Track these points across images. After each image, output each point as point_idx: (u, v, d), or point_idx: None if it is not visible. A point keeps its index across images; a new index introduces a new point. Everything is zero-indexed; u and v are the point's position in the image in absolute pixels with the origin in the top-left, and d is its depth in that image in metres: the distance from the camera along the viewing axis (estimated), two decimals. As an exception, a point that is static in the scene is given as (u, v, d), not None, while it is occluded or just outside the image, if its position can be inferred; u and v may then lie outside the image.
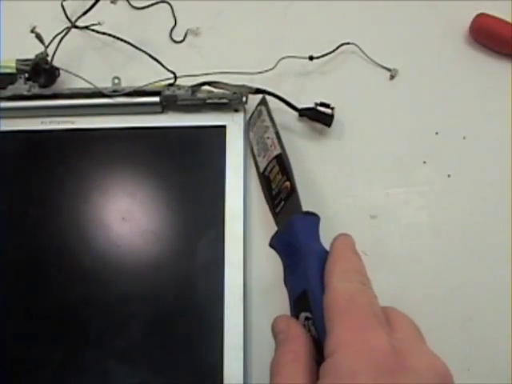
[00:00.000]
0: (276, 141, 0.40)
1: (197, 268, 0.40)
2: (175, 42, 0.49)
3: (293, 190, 0.37)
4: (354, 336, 0.27)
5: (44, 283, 0.41)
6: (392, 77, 0.46)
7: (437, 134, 0.45)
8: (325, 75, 0.47)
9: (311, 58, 0.46)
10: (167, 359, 0.38)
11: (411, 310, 0.40)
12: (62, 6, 0.48)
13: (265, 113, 0.42)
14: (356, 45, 0.47)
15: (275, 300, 0.40)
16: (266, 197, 0.40)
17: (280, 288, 0.40)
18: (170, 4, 0.50)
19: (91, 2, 0.44)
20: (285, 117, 0.45)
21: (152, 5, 0.51)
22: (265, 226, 0.42)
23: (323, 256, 0.31)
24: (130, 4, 0.51)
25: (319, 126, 0.45)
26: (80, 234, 0.42)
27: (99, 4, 0.44)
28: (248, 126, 0.44)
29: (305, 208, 0.42)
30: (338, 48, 0.47)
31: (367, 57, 0.47)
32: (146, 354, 0.39)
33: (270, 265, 0.41)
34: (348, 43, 0.47)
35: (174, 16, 0.50)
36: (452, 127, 0.45)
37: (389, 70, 0.47)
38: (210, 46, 0.49)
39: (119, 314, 0.40)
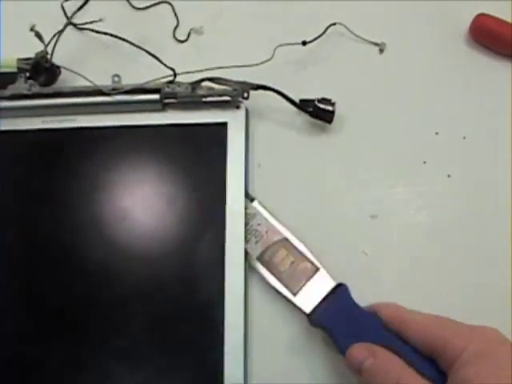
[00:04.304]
0: (274, 228, 0.40)
1: (197, 268, 0.40)
2: (179, 41, 0.49)
3: (317, 268, 0.39)
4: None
5: (44, 283, 0.41)
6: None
7: (437, 134, 0.45)
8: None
9: (304, 43, 0.46)
10: (168, 359, 0.38)
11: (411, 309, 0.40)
12: (62, 6, 0.48)
13: (246, 201, 0.41)
14: (344, 25, 0.47)
15: (276, 300, 0.40)
16: (269, 280, 0.39)
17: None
18: (171, 4, 0.50)
19: (94, 2, 0.44)
20: (283, 115, 0.45)
21: (153, 5, 0.51)
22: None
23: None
24: (130, 4, 0.51)
25: (318, 123, 0.45)
26: (80, 233, 0.42)
27: (100, 4, 0.44)
28: None
29: (307, 211, 0.43)
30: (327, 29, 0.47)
31: (357, 37, 0.48)
32: (146, 353, 0.39)
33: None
34: (334, 24, 0.47)
35: (176, 16, 0.50)
36: (452, 127, 0.45)
37: (380, 51, 0.47)
38: (214, 44, 0.49)
39: (119, 314, 0.40)
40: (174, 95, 0.44)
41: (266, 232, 0.40)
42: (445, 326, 0.32)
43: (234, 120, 0.43)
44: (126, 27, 0.46)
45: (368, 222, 0.42)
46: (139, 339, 0.39)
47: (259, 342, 0.40)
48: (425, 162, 0.44)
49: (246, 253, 0.40)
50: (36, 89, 0.45)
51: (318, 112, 0.43)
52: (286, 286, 0.39)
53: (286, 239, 0.40)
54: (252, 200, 0.42)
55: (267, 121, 0.46)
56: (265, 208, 0.42)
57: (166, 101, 0.44)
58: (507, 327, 0.39)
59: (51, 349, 0.40)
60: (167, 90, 0.44)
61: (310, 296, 0.38)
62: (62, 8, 0.45)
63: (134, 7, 0.51)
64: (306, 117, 0.44)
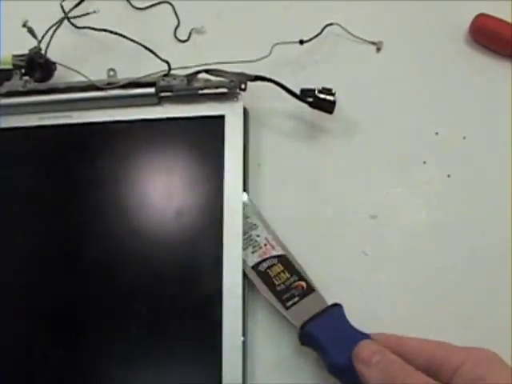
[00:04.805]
0: (274, 242, 0.40)
1: (195, 266, 0.40)
2: (180, 41, 0.49)
3: (312, 289, 0.38)
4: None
5: (43, 283, 0.41)
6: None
7: (437, 134, 0.45)
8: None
9: (301, 42, 0.46)
10: (166, 359, 0.38)
11: (411, 310, 0.40)
12: (61, 5, 0.47)
13: (250, 209, 0.41)
14: (341, 25, 0.47)
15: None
16: (263, 290, 0.39)
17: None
18: (171, 4, 0.50)
19: (94, 2, 0.43)
20: (283, 115, 0.45)
21: (154, 5, 0.50)
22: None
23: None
24: (131, 4, 0.50)
25: (319, 123, 0.44)
26: (77, 230, 0.42)
27: (100, 4, 0.44)
28: None
29: (306, 210, 0.43)
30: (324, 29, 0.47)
31: (354, 36, 0.47)
32: (144, 353, 0.38)
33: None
34: (331, 24, 0.47)
35: (176, 16, 0.50)
36: (452, 127, 0.45)
37: (377, 49, 0.48)
38: (214, 44, 0.49)
39: (117, 313, 0.40)
40: (169, 88, 0.43)
41: (265, 245, 0.40)
42: (443, 346, 0.33)
43: (231, 113, 0.43)
44: (127, 27, 0.45)
45: (368, 221, 0.42)
46: (137, 339, 0.39)
47: (258, 342, 0.39)
48: (425, 162, 0.44)
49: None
50: (31, 85, 0.45)
51: (319, 102, 0.43)
52: (279, 300, 0.38)
53: (284, 256, 0.39)
54: (257, 213, 0.41)
55: (267, 121, 0.46)
56: (266, 221, 0.41)
57: (162, 94, 0.44)
58: (507, 327, 0.39)
59: (50, 348, 0.39)
60: (163, 83, 0.43)
61: (302, 312, 0.37)
62: (61, 5, 0.44)
63: (134, 7, 0.50)
64: (306, 116, 0.44)
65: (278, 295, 0.38)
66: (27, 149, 0.44)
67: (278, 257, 0.39)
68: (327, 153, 0.44)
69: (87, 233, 0.41)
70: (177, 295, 0.40)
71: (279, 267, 0.39)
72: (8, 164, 0.44)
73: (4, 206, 0.43)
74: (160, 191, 0.42)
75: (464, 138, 0.44)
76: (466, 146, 0.44)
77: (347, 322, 0.36)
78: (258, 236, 0.40)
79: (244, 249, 0.39)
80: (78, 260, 0.41)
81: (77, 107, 0.44)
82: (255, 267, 0.39)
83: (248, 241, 0.40)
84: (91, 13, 0.44)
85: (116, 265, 0.41)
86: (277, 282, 0.39)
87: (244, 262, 0.39)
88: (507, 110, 0.45)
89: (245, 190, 0.41)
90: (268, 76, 0.43)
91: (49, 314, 0.40)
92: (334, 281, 0.39)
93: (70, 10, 0.44)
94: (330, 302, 0.38)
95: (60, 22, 0.44)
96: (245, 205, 0.41)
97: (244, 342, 0.38)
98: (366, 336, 0.35)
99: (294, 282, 0.38)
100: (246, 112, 0.44)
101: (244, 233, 0.40)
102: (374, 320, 0.39)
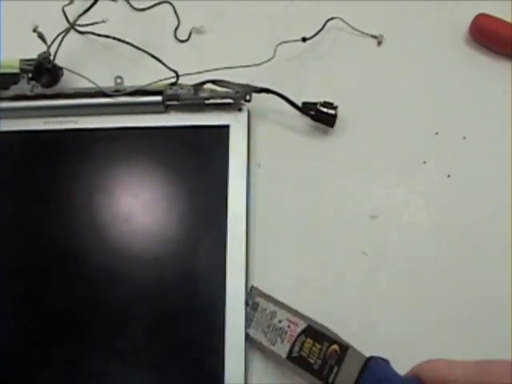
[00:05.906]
0: (295, 318, 0.39)
1: (199, 270, 0.40)
2: (180, 41, 0.49)
3: (346, 348, 0.37)
4: None
5: (45, 284, 0.41)
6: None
7: (437, 134, 0.45)
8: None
9: (304, 40, 0.47)
10: (169, 360, 0.39)
11: (411, 310, 0.40)
12: (63, 10, 0.47)
13: (263, 302, 0.40)
14: (342, 19, 0.48)
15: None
16: (303, 375, 0.37)
17: (281, 291, 0.40)
18: (171, 4, 0.50)
19: (94, 5, 0.44)
20: (285, 116, 0.45)
21: (153, 6, 0.51)
22: (267, 228, 0.42)
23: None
24: (130, 5, 0.51)
25: (320, 124, 0.45)
26: (82, 234, 0.42)
27: (102, 6, 0.44)
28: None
29: (307, 211, 0.43)
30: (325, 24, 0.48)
31: (356, 30, 0.48)
32: (147, 355, 0.39)
33: (272, 267, 0.41)
34: (332, 18, 0.48)
35: (176, 16, 0.50)
36: (452, 127, 0.45)
37: (378, 43, 0.48)
38: (215, 44, 0.49)
39: (121, 315, 0.40)
40: (176, 97, 0.44)
41: (289, 327, 0.39)
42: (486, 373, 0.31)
43: (236, 122, 0.43)
44: (127, 28, 0.46)
45: (368, 222, 0.42)
46: (140, 341, 0.39)
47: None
48: (425, 162, 0.44)
49: (274, 353, 0.38)
50: (38, 90, 0.45)
51: (320, 116, 0.43)
52: (321, 379, 0.37)
53: (308, 327, 0.38)
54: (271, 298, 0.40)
55: (268, 122, 0.46)
56: (280, 302, 0.40)
57: (169, 103, 0.44)
58: (507, 327, 0.39)
59: (52, 350, 0.40)
60: (169, 92, 0.44)
61: (345, 380, 0.36)
62: (64, 13, 0.44)
63: (134, 8, 0.51)
64: (308, 118, 0.44)
65: (318, 374, 0.37)
66: (31, 152, 0.45)
67: (303, 332, 0.38)
68: (327, 153, 0.45)
69: (90, 237, 0.42)
70: (180, 298, 0.40)
71: (309, 342, 0.38)
72: (11, 166, 0.44)
73: (6, 207, 0.43)
74: (164, 198, 0.42)
75: (464, 138, 0.44)
76: (465, 145, 0.44)
77: (387, 373, 0.35)
78: (280, 322, 0.39)
79: (273, 343, 0.38)
80: (80, 263, 0.41)
81: (83, 113, 0.45)
82: (289, 356, 0.38)
83: (274, 332, 0.39)
84: (100, 22, 0.44)
85: (119, 268, 0.41)
86: (312, 361, 0.37)
87: (277, 355, 0.38)
88: (507, 109, 0.45)
89: (248, 195, 0.42)
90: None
91: (51, 316, 0.41)
92: (334, 281, 0.39)
93: (76, 19, 0.44)
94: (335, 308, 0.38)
95: (67, 30, 0.44)
96: (258, 301, 0.40)
97: (246, 344, 0.38)
98: (414, 381, 0.33)
99: (327, 349, 0.37)
100: (249, 115, 0.44)
101: (268, 326, 0.39)
102: (374, 320, 0.40)
